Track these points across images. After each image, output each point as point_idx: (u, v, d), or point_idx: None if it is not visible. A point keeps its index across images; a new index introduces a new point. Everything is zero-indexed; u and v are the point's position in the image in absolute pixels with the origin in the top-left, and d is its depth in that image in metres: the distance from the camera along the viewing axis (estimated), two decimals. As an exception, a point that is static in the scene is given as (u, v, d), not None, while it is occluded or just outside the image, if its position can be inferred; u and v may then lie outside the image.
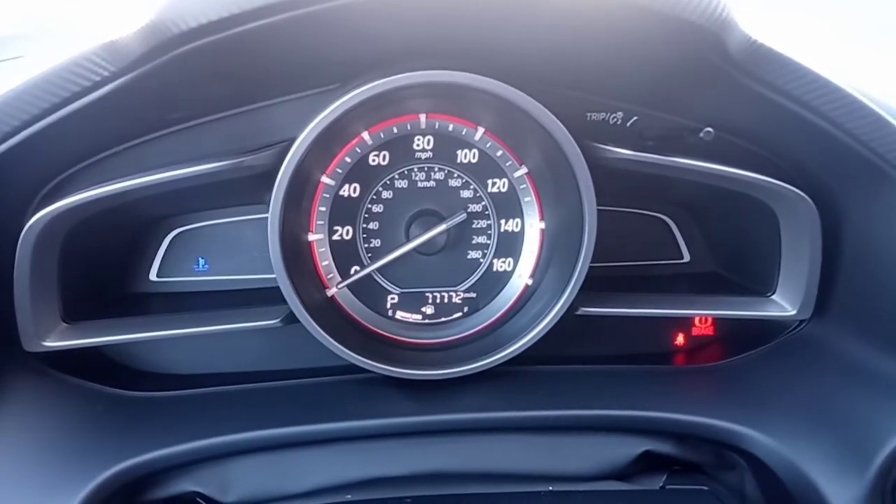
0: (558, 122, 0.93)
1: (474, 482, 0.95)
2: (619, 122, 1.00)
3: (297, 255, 1.02)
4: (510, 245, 1.09)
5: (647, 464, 0.99)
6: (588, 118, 1.00)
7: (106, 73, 0.78)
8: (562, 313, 1.00)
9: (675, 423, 0.96)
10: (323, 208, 1.06)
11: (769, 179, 0.96)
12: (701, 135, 0.90)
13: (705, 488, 0.96)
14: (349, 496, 0.92)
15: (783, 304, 1.04)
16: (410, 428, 0.96)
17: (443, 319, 1.11)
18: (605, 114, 1.00)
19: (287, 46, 0.83)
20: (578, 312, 1.02)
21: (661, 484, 0.98)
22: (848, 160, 0.88)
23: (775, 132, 0.92)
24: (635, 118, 1.00)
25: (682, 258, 1.20)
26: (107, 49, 0.78)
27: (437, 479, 0.95)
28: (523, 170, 1.06)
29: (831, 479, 0.87)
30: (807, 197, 0.97)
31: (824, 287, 1.02)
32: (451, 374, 1.01)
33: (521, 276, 1.10)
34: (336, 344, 0.99)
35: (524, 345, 1.01)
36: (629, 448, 0.99)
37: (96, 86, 0.79)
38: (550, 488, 0.93)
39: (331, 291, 1.07)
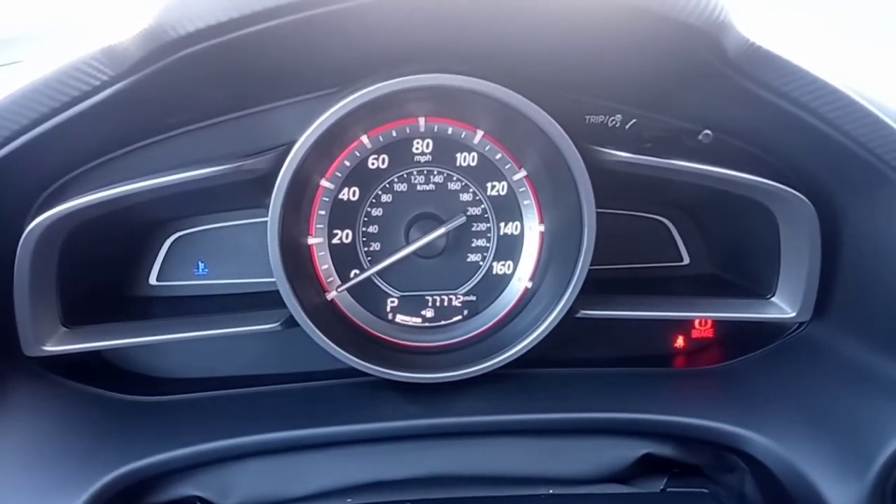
0: (556, 124, 0.93)
1: (475, 486, 0.95)
2: (617, 125, 1.00)
3: (296, 259, 1.02)
4: (510, 248, 1.09)
5: (647, 466, 0.99)
6: (586, 121, 1.00)
7: (105, 78, 0.79)
8: (562, 316, 1.00)
9: (676, 425, 0.96)
10: (322, 212, 1.06)
11: (767, 181, 0.96)
12: (700, 137, 0.90)
13: (705, 491, 0.96)
14: (349, 500, 0.92)
15: (783, 306, 1.04)
16: (411, 431, 0.96)
17: (443, 323, 1.11)
18: (603, 116, 1.00)
19: (285, 50, 0.83)
20: (578, 315, 1.02)
21: (661, 486, 0.98)
22: (846, 162, 0.87)
23: (774, 134, 0.92)
24: (634, 121, 1.00)
25: (681, 260, 1.20)
26: (106, 53, 0.78)
27: (438, 482, 0.95)
28: (522, 173, 1.06)
29: (832, 480, 0.87)
30: (805, 199, 0.96)
31: (824, 289, 1.01)
32: (451, 377, 1.00)
33: (521, 278, 1.10)
34: (335, 348, 0.99)
35: (524, 348, 1.01)
36: (629, 451, 0.98)
37: (95, 90, 0.80)
38: (551, 491, 0.93)
39: (330, 295, 1.07)
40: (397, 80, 0.89)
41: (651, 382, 1.06)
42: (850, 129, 0.84)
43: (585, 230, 0.98)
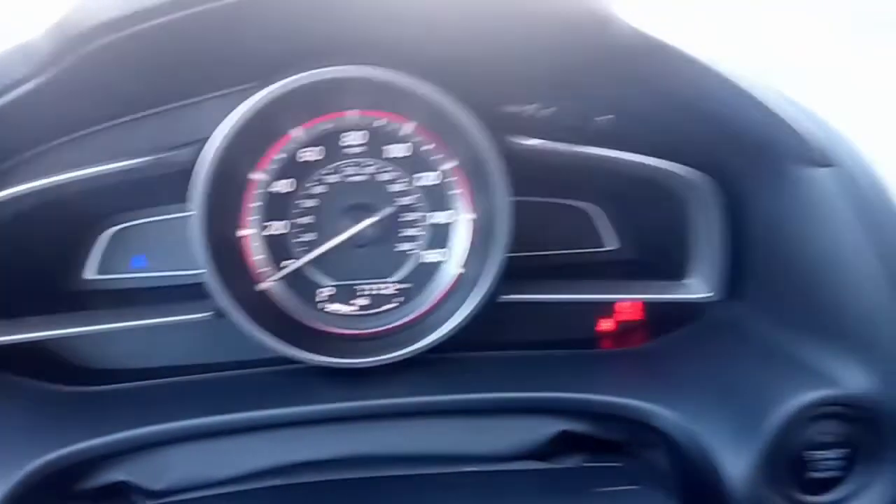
0: (467, 113, 0.96)
1: (399, 465, 0.98)
2: (534, 114, 1.03)
3: (226, 251, 1.04)
4: (442, 236, 1.12)
5: (568, 443, 1.03)
6: (503, 110, 1.03)
7: (19, 76, 0.81)
8: (482, 302, 1.03)
9: (589, 402, 1.00)
10: (255, 204, 1.08)
11: (672, 165, 1.00)
12: (599, 120, 0.93)
13: (620, 465, 1.00)
14: (277, 480, 0.95)
15: (698, 287, 1.08)
16: (338, 414, 0.99)
17: (376, 310, 1.14)
18: (519, 106, 1.03)
19: (200, 42, 0.85)
20: (500, 300, 1.06)
21: (579, 462, 1.01)
22: (744, 150, 0.91)
23: (677, 120, 0.95)
24: (551, 109, 1.03)
25: (607, 246, 1.24)
26: (20, 51, 0.80)
27: (363, 462, 0.98)
28: (453, 163, 1.09)
29: (728, 451, 0.91)
30: (709, 181, 1.00)
31: (738, 270, 1.05)
32: (375, 362, 1.04)
33: (453, 265, 1.13)
34: (264, 336, 1.02)
35: (446, 333, 1.04)
36: (548, 428, 1.02)
37: (10, 87, 0.82)
38: (470, 468, 0.96)
39: (262, 286, 1.09)
40: (307, 73, 0.92)
41: (573, 363, 1.09)
42: (744, 120, 0.87)
43: (498, 217, 1.01)
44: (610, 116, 0.93)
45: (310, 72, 0.92)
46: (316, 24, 0.89)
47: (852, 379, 0.88)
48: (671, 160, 0.99)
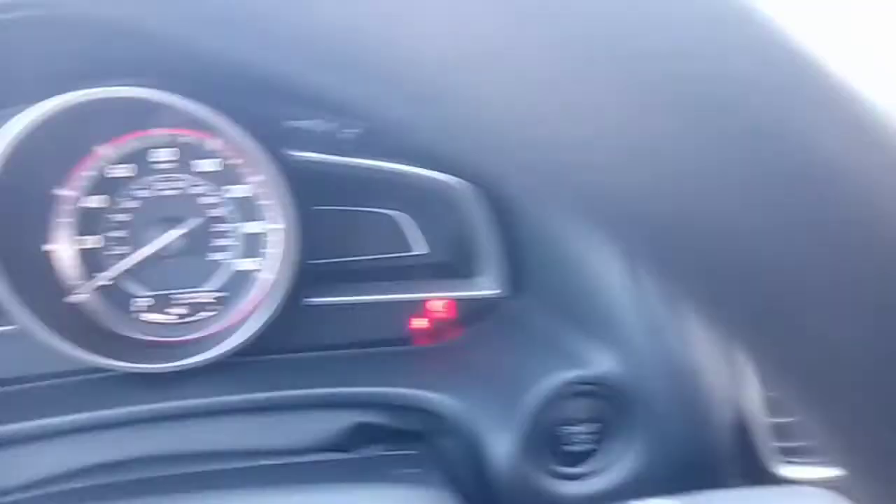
0: (240, 130, 1.02)
1: (197, 462, 1.03)
2: (314, 128, 1.10)
3: (29, 266, 1.07)
4: (255, 246, 1.18)
5: (369, 435, 1.10)
6: (285, 126, 1.10)
7: None
8: (280, 306, 1.09)
9: (378, 395, 1.07)
10: (64, 219, 1.12)
11: (436, 174, 1.09)
12: (346, 132, 1.01)
13: (415, 452, 1.07)
14: (75, 484, 0.98)
15: (488, 285, 1.18)
16: (137, 417, 1.04)
17: (194, 318, 1.19)
18: (301, 121, 1.11)
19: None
20: (305, 304, 1.12)
21: (376, 451, 1.08)
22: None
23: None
24: (330, 123, 1.11)
25: (416, 251, 1.32)
26: None
27: (162, 460, 1.03)
28: (262, 176, 1.15)
29: (494, 431, 1.00)
30: (470, 187, 1.10)
31: (519, 267, 1.15)
32: (178, 366, 1.08)
33: (267, 273, 1.19)
34: (66, 346, 1.05)
35: (247, 338, 1.09)
36: (345, 421, 1.09)
37: None
38: (267, 462, 1.02)
39: (72, 299, 1.13)
40: (68, 94, 0.96)
41: (377, 360, 1.16)
42: None
43: (284, 225, 1.08)
44: (356, 130, 1.01)
45: (81, 91, 0.97)
46: (96, 45, 0.94)
47: (600, 361, 0.98)
48: (436, 169, 1.08)
